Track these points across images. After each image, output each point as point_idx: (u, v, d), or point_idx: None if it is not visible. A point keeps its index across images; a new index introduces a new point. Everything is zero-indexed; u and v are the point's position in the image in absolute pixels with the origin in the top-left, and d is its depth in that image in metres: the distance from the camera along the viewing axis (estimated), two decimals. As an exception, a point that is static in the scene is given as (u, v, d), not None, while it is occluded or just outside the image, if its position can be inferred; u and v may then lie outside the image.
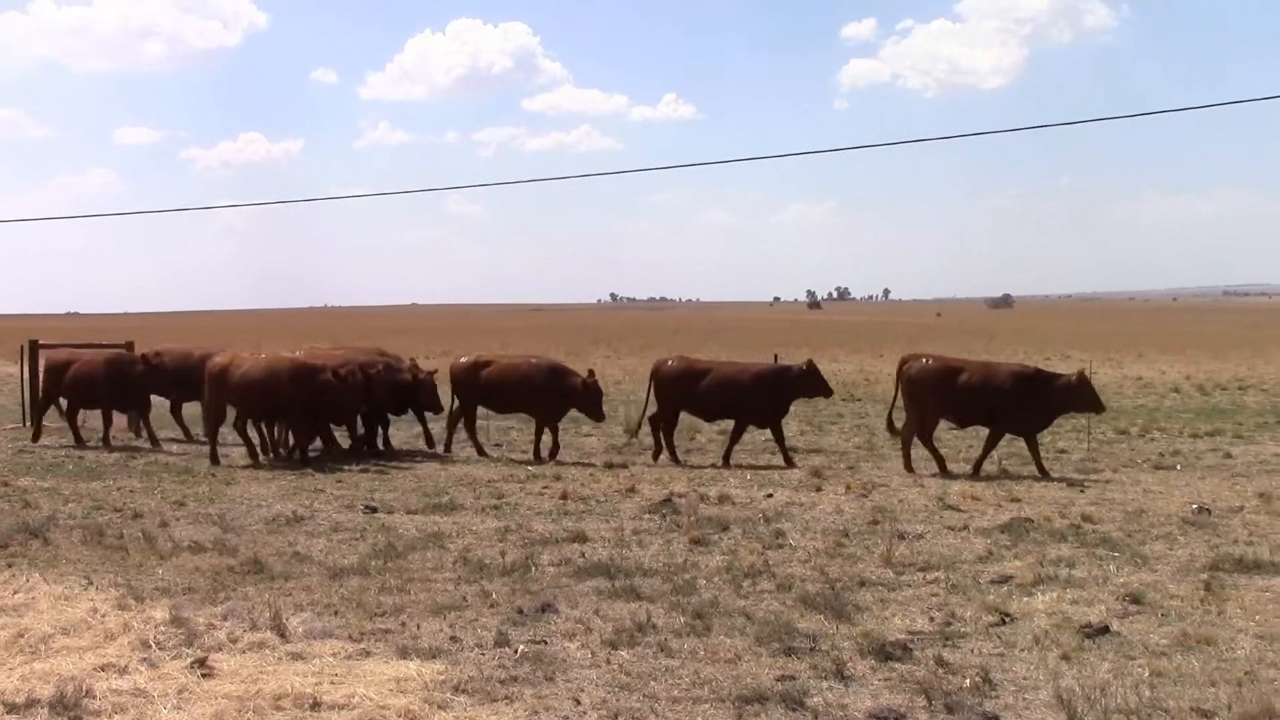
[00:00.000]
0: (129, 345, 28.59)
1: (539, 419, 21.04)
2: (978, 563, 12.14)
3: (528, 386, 20.96)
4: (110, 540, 13.31)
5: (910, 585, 11.22)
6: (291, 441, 21.02)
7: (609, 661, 8.85)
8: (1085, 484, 17.47)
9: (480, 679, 8.39)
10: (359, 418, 21.47)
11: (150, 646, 9.08)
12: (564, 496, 16.28)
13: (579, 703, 7.96)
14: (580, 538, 13.38)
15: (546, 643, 9.28)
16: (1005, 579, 11.33)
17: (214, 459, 20.02)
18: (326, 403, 20.01)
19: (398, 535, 13.57)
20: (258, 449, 20.69)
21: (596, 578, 11.43)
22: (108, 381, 22.50)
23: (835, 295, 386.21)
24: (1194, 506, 15.10)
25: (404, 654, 8.99)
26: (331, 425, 20.94)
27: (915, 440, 19.14)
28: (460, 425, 21.63)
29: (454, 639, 9.43)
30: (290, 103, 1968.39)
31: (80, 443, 22.51)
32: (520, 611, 10.20)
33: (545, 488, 17.13)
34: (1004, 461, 19.19)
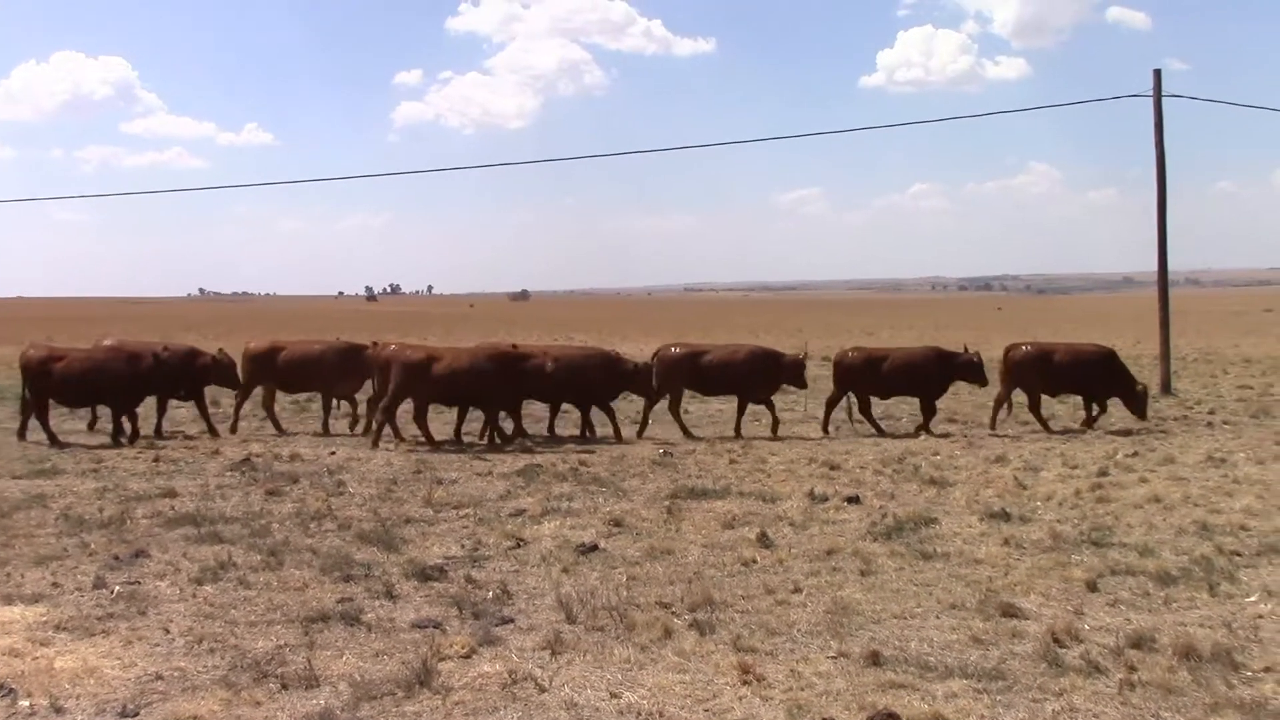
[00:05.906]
0: None
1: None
2: (499, 500, 12.37)
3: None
4: None
5: (446, 520, 11.31)
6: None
7: (195, 595, 8.47)
8: (586, 435, 18.05)
9: (80, 617, 7.85)
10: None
11: None
12: (157, 459, 15.32)
13: (168, 631, 7.57)
14: (171, 493, 12.63)
15: (140, 583, 8.77)
16: (520, 512, 11.61)
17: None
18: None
19: (3, 498, 12.36)
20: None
21: (185, 526, 10.87)
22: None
23: (389, 290, 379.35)
24: (661, 450, 15.96)
25: (8, 601, 8.28)
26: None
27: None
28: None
29: (55, 585, 8.75)
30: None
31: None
32: (116, 558, 9.57)
33: (140, 453, 16.02)
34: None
